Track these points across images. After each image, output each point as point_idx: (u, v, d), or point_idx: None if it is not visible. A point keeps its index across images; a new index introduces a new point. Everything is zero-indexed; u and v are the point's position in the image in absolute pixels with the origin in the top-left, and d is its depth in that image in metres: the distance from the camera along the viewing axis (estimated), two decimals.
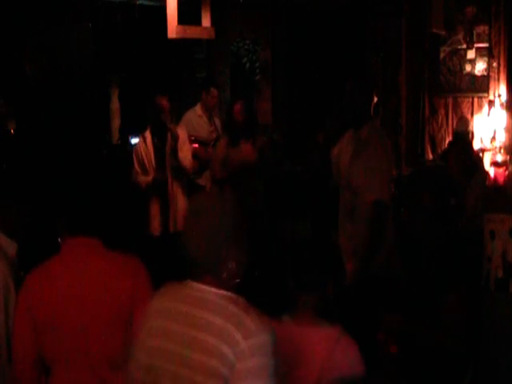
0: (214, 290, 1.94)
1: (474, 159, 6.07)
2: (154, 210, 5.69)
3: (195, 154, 6.23)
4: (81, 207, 2.45)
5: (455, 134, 6.59)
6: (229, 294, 1.95)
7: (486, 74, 7.59)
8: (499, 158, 7.24)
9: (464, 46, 7.70)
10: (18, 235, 2.67)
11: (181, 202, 5.71)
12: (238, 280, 1.99)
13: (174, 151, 5.58)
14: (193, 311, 1.91)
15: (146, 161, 5.66)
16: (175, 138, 5.58)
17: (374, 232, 4.22)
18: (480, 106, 7.64)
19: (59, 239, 2.49)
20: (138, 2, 8.02)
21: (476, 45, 7.63)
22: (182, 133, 5.79)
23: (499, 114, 7.38)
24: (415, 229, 2.98)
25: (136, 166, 5.70)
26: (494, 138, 7.41)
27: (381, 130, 4.72)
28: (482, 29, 7.58)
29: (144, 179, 5.65)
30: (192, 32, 5.87)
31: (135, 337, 2.03)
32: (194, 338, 1.87)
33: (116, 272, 2.41)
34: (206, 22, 6.08)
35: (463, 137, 6.26)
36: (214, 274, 1.95)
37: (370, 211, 4.21)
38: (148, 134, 5.71)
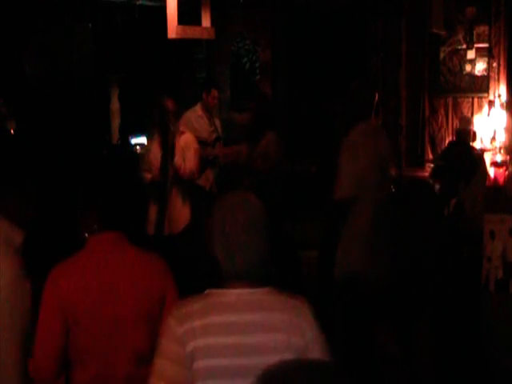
0: (258, 290, 1.95)
1: (473, 159, 6.07)
2: (151, 209, 5.72)
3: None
4: (110, 202, 2.46)
5: (458, 134, 6.58)
6: (272, 289, 1.97)
7: (486, 74, 7.59)
8: (499, 158, 7.24)
9: (464, 46, 7.70)
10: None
11: (178, 205, 5.73)
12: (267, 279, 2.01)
13: (171, 154, 5.61)
14: (252, 317, 1.91)
15: (152, 160, 5.71)
16: (173, 141, 5.61)
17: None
18: (480, 106, 7.64)
19: (85, 234, 2.47)
20: (137, 2, 8.03)
21: (476, 45, 7.63)
22: (188, 136, 5.80)
23: (499, 114, 7.38)
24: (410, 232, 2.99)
25: (141, 163, 5.77)
26: (493, 138, 7.41)
27: (372, 129, 4.64)
28: (482, 29, 7.58)
29: (145, 176, 5.70)
30: (192, 32, 5.87)
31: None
32: (261, 342, 1.88)
33: (144, 267, 2.42)
34: (206, 22, 6.08)
35: (464, 136, 6.26)
36: (253, 278, 1.96)
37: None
38: (157, 135, 5.75)
